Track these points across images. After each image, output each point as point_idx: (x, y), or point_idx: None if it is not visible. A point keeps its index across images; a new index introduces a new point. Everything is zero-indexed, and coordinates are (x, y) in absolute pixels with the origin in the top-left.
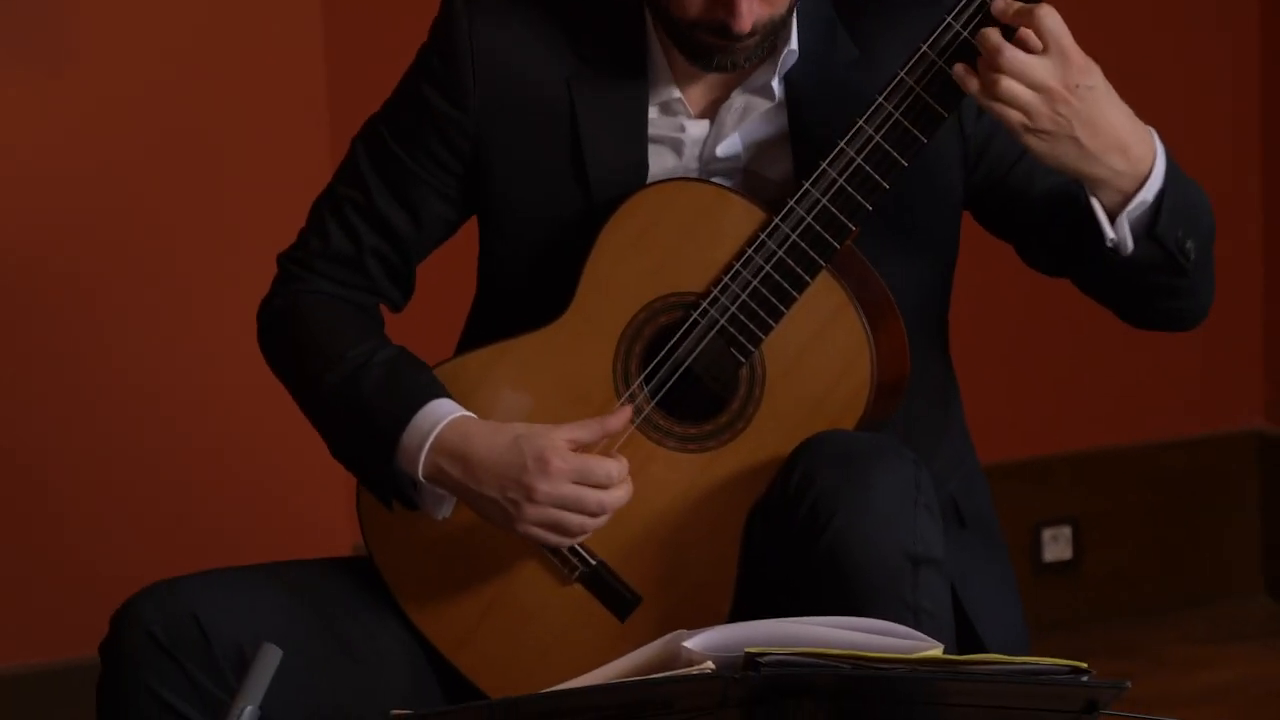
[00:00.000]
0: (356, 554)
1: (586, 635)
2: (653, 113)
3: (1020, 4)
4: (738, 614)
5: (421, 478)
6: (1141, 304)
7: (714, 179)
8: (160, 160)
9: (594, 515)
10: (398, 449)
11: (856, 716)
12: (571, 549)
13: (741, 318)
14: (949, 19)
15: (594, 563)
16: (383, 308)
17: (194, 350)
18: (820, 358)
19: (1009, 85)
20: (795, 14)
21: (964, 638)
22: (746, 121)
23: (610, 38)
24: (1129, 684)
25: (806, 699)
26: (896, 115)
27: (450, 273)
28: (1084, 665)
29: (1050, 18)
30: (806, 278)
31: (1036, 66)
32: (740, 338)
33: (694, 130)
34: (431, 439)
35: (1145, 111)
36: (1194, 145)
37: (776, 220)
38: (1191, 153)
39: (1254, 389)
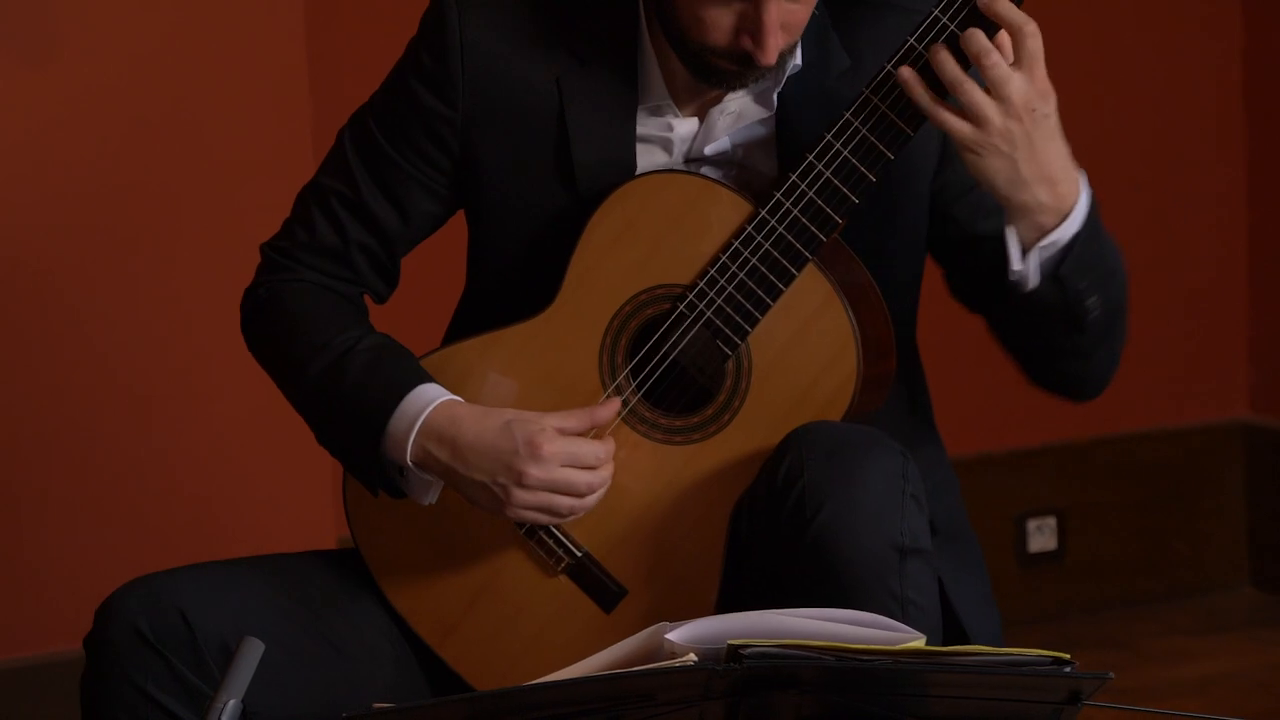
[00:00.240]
0: (341, 547)
1: (572, 627)
2: (642, 112)
3: (1007, 6)
4: (723, 605)
5: (409, 462)
6: (1040, 359)
7: (703, 170)
8: (142, 153)
9: (583, 497)
10: (385, 434)
11: (839, 708)
12: (557, 540)
13: (728, 310)
14: (910, 39)
15: (579, 554)
16: (367, 299)
17: (177, 343)
18: (806, 350)
19: (977, 95)
20: None
21: (949, 629)
22: (738, 126)
23: (601, 36)
24: (1112, 675)
25: (789, 691)
26: (883, 108)
27: (437, 265)
28: (1067, 656)
29: (1035, 39)
30: (793, 270)
31: (1013, 80)
32: (726, 330)
33: (682, 129)
34: (420, 423)
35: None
36: (1180, 135)
37: (763, 213)
38: (1177, 144)
39: (1239, 379)
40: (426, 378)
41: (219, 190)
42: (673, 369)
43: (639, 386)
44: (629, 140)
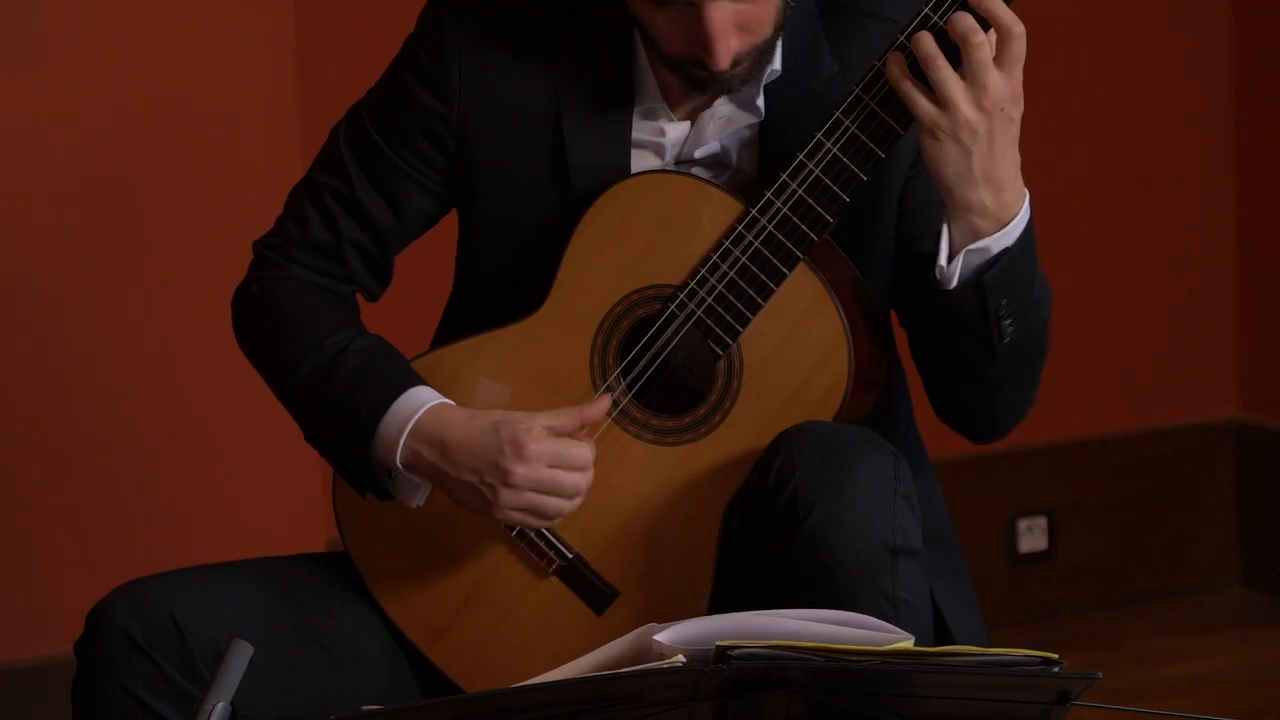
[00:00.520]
0: (331, 549)
1: (563, 628)
2: (636, 116)
3: (999, 4)
4: (715, 606)
5: (399, 464)
6: (948, 376)
7: (693, 171)
8: (128, 152)
9: (570, 498)
10: (375, 436)
11: (828, 709)
12: (548, 542)
13: (719, 310)
14: (901, 38)
15: (570, 556)
16: (359, 297)
17: (166, 346)
18: (798, 350)
19: (947, 72)
20: (782, 33)
21: (937, 636)
22: (728, 131)
23: (597, 42)
24: (1100, 675)
25: (777, 691)
26: (873, 105)
27: (428, 265)
28: (1055, 656)
29: (1020, 40)
30: (784, 269)
31: (992, 71)
32: (717, 330)
33: (673, 133)
34: (410, 425)
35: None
36: (1169, 135)
37: (754, 212)
38: (1168, 145)
39: (1229, 379)
40: (418, 380)
41: (206, 190)
42: (664, 369)
43: (630, 387)
44: (624, 144)
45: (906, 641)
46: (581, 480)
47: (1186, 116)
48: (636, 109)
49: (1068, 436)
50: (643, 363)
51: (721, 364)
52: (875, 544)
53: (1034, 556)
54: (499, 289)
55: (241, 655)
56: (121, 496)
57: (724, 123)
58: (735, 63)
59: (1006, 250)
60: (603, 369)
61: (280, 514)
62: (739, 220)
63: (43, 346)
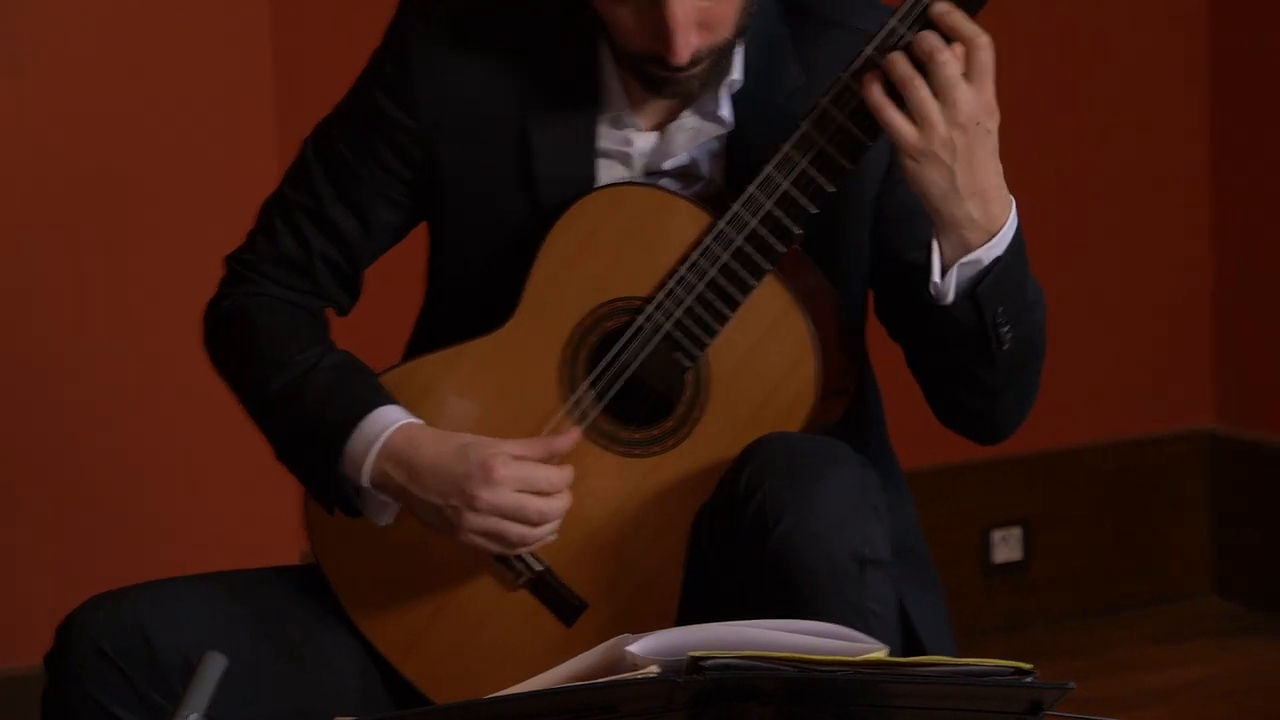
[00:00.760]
0: (304, 563)
1: (533, 641)
2: (602, 125)
3: (961, 19)
4: (684, 618)
5: (366, 483)
6: (949, 386)
7: (661, 183)
8: (103, 162)
9: (535, 525)
10: (343, 454)
11: (801, 719)
12: (517, 555)
13: (687, 322)
14: (868, 50)
15: (539, 568)
16: (329, 312)
17: (138, 357)
18: (766, 360)
19: (925, 93)
20: (743, 40)
21: (909, 648)
22: (696, 143)
23: (563, 52)
24: (1073, 685)
25: (751, 702)
26: (841, 118)
27: (399, 278)
28: (1028, 666)
29: (986, 51)
30: (752, 281)
31: (961, 86)
32: (685, 342)
33: (641, 143)
34: (379, 445)
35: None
36: (1144, 145)
37: (721, 224)
38: (1142, 153)
39: (1204, 389)
40: (387, 399)
41: (183, 199)
42: (632, 381)
43: (598, 399)
44: (590, 153)
45: (880, 652)
46: (549, 506)
47: (1163, 127)
48: (603, 116)
49: (1042, 447)
50: (611, 374)
51: (690, 375)
52: (843, 555)
53: (1009, 566)
54: (469, 301)
55: (215, 668)
56: (94, 509)
57: (692, 134)
58: (694, 61)
59: (999, 259)
60: (572, 381)
61: (254, 526)
62: (706, 233)
63: (15, 357)
